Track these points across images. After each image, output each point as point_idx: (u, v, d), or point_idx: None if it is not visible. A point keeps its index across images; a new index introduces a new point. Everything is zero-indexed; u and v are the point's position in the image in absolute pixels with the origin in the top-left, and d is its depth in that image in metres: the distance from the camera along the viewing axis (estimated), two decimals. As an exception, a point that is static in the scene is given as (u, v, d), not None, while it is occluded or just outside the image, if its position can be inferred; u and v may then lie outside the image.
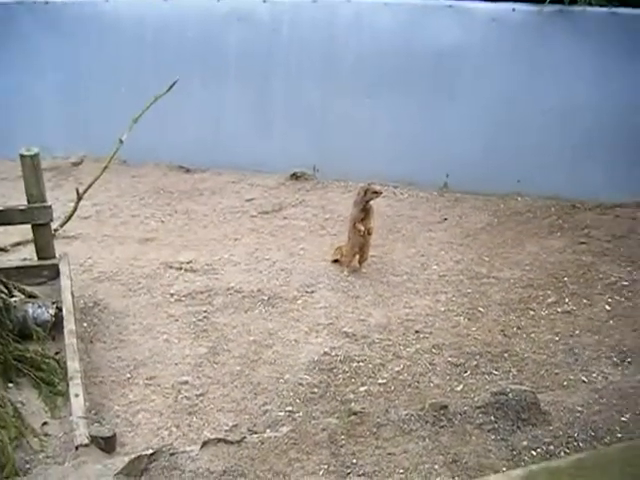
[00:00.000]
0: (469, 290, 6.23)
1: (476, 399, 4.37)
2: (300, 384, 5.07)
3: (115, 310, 5.88)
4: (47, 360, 4.97)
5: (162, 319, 5.81)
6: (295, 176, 8.31)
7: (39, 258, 5.93)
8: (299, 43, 8.24)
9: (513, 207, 7.64)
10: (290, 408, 4.85)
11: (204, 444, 4.05)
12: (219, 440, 4.09)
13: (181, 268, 6.51)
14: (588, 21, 7.43)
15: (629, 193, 7.41)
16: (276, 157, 8.38)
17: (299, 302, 6.06)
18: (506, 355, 5.36)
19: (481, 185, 7.83)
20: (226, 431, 4.61)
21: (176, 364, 5.30)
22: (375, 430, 4.13)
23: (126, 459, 3.91)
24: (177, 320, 5.80)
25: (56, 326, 5.25)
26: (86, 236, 7.07)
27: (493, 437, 4.08)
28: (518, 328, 5.69)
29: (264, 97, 8.46)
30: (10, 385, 4.78)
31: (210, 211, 7.68)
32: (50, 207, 5.81)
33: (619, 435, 4.07)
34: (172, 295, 6.12)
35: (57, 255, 5.98)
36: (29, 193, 5.72)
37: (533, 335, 5.60)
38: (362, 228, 6.35)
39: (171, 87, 6.87)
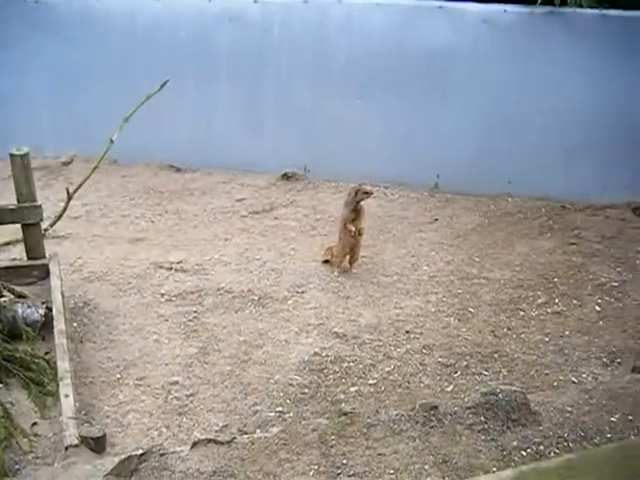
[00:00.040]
0: (459, 291, 6.23)
1: (466, 399, 4.37)
2: (290, 384, 5.06)
3: (105, 310, 5.87)
4: (37, 360, 4.96)
5: (152, 319, 5.80)
6: (286, 176, 8.31)
7: (29, 258, 5.92)
8: (290, 44, 8.24)
9: (504, 208, 7.66)
10: (280, 408, 4.84)
11: (194, 444, 4.04)
12: (209, 440, 4.08)
13: (171, 268, 6.50)
14: (579, 23, 7.47)
15: (619, 194, 7.44)
16: (267, 157, 8.38)
17: (289, 302, 6.05)
18: (496, 356, 5.37)
19: (472, 186, 7.84)
20: (216, 431, 4.60)
21: (166, 364, 5.29)
22: (365, 430, 4.13)
23: (116, 459, 3.90)
24: (167, 320, 5.79)
25: (46, 326, 5.23)
26: (76, 236, 7.05)
27: (483, 437, 4.08)
28: (508, 329, 5.70)
29: (255, 97, 8.46)
30: (-1, 385, 4.77)
31: (200, 211, 7.67)
32: (40, 207, 5.80)
33: (609, 435, 4.08)
34: (162, 295, 6.11)
35: (47, 255, 5.96)
36: (19, 192, 5.70)
37: (523, 336, 5.61)
38: (353, 228, 6.35)
39: (162, 86, 6.88)
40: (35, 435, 4.44)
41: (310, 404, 4.87)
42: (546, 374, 5.15)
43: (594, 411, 4.29)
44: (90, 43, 8.51)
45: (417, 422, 4.17)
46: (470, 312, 5.94)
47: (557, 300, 6.05)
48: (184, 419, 4.77)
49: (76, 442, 4.16)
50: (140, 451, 3.97)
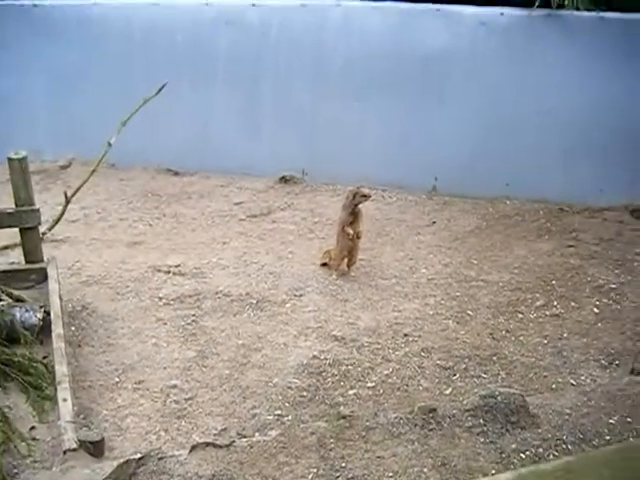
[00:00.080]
0: (458, 293, 6.23)
1: (465, 402, 4.37)
2: (289, 388, 5.06)
3: (103, 314, 5.86)
4: (35, 364, 4.95)
5: (150, 323, 5.80)
6: (284, 179, 8.31)
7: (27, 262, 5.92)
8: (288, 46, 8.25)
9: (502, 210, 7.66)
10: (279, 412, 4.83)
11: (193, 448, 4.04)
12: (208, 444, 4.08)
13: (169, 272, 6.49)
14: (576, 25, 7.48)
15: (617, 196, 7.44)
16: (265, 160, 8.38)
17: (288, 306, 6.05)
18: (495, 358, 5.36)
19: (470, 188, 7.85)
20: (215, 435, 4.60)
21: (165, 368, 5.28)
22: (364, 434, 4.13)
23: (114, 463, 3.89)
24: (166, 324, 5.78)
25: (44, 330, 5.23)
26: (74, 240, 7.05)
27: (482, 440, 4.08)
28: (507, 331, 5.70)
29: (253, 101, 8.46)
30: (-3, 389, 4.77)
31: (198, 215, 7.67)
32: (38, 210, 5.80)
33: (607, 438, 4.08)
34: (160, 299, 6.10)
35: (45, 259, 5.96)
36: (17, 196, 5.70)
37: (522, 338, 5.61)
38: (351, 232, 6.35)
39: (160, 90, 6.89)
40: (33, 439, 4.43)
41: (309, 407, 4.87)
42: (545, 376, 5.15)
43: (593, 413, 4.29)
44: (88, 47, 8.52)
45: (416, 425, 4.17)
46: (468, 315, 5.94)
47: (555, 302, 6.05)
48: (183, 423, 4.76)
49: (74, 446, 4.15)
50: (138, 455, 3.97)
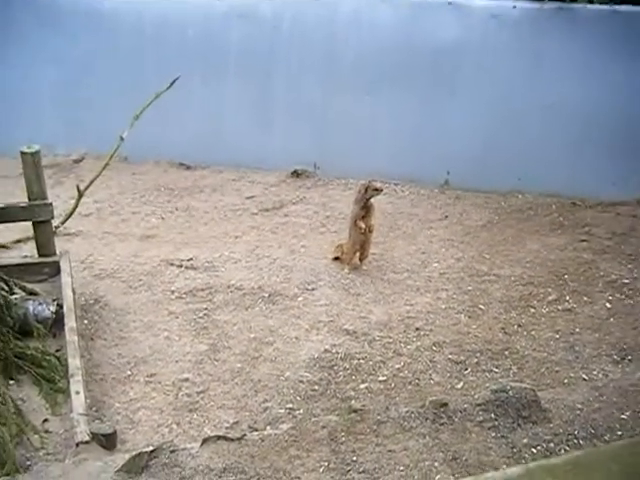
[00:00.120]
0: (470, 288, 6.23)
1: (476, 396, 4.36)
2: (300, 381, 5.07)
3: (116, 307, 5.88)
4: (48, 357, 4.98)
5: (163, 316, 5.82)
6: (296, 173, 8.31)
7: (40, 255, 5.94)
8: (300, 40, 8.24)
9: (514, 204, 7.64)
10: (290, 405, 4.85)
11: (204, 441, 4.04)
12: (219, 437, 4.09)
13: (182, 265, 6.51)
14: (588, 18, 7.44)
15: (630, 191, 7.41)
16: (277, 154, 8.38)
17: (300, 299, 6.06)
18: (506, 353, 5.36)
19: (482, 182, 7.83)
20: (226, 428, 4.62)
21: (177, 361, 5.30)
22: (375, 427, 4.13)
23: (127, 456, 3.91)
24: (178, 317, 5.80)
25: (57, 323, 5.26)
26: (87, 233, 7.07)
27: (493, 435, 4.07)
28: (519, 326, 5.69)
29: (265, 94, 8.46)
30: (11, 382, 4.79)
31: (211, 208, 7.67)
32: (51, 204, 5.82)
33: (619, 433, 4.07)
34: (173, 292, 6.12)
35: (58, 252, 5.99)
36: (30, 190, 5.72)
37: (534, 333, 5.60)
38: (363, 225, 6.34)
39: (172, 84, 6.89)
40: (46, 432, 4.46)
41: (320, 401, 4.88)
42: (556, 371, 5.14)
43: (604, 408, 4.28)
44: (99, 40, 8.52)
45: (427, 419, 4.17)
46: (480, 309, 5.93)
47: (568, 297, 6.04)
48: (194, 416, 4.78)
49: (87, 439, 4.19)
50: (150, 448, 3.97)
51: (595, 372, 5.11)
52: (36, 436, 4.38)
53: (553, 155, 7.66)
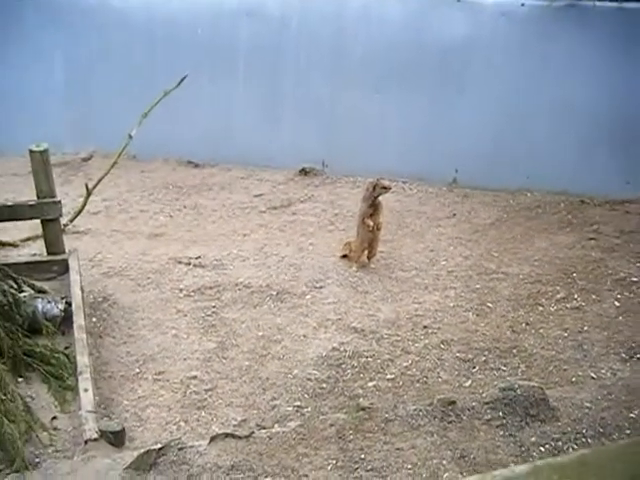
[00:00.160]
0: (478, 286, 6.22)
1: (484, 395, 4.36)
2: (309, 379, 5.07)
3: (124, 305, 5.89)
4: (56, 355, 4.99)
5: (171, 314, 5.83)
6: (304, 171, 8.32)
7: (49, 253, 5.95)
8: (308, 37, 8.25)
9: (522, 202, 7.63)
10: (298, 403, 4.85)
11: (212, 439, 4.05)
12: (227, 435, 4.10)
13: (190, 263, 6.52)
14: (597, 16, 7.42)
15: (639, 189, 7.38)
16: (285, 152, 8.39)
17: (308, 297, 6.06)
18: (515, 351, 5.35)
19: (490, 180, 7.82)
20: (234, 426, 4.62)
21: (185, 359, 5.31)
22: (383, 425, 4.14)
23: (135, 453, 3.92)
24: (186, 315, 5.81)
25: (65, 321, 5.27)
26: (95, 231, 7.09)
27: (501, 433, 4.07)
28: (527, 324, 5.68)
29: (273, 92, 8.47)
30: (20, 379, 4.80)
31: (219, 206, 7.68)
32: (59, 202, 5.83)
33: (628, 431, 4.07)
34: (181, 290, 6.13)
35: (66, 250, 6.00)
36: (38, 188, 5.73)
37: (542, 331, 5.59)
38: (371, 223, 6.35)
39: (180, 82, 6.90)
40: (55, 429, 4.47)
41: (328, 399, 4.88)
42: (565, 370, 5.13)
43: (613, 407, 4.27)
44: (108, 39, 8.55)
45: (435, 417, 4.17)
46: (488, 307, 5.92)
47: (576, 295, 6.02)
48: (203, 413, 4.79)
49: (95, 436, 4.19)
50: (159, 445, 3.99)
51: (603, 370, 5.10)
52: (45, 433, 4.39)
53: (562, 153, 7.64)
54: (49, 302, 5.30)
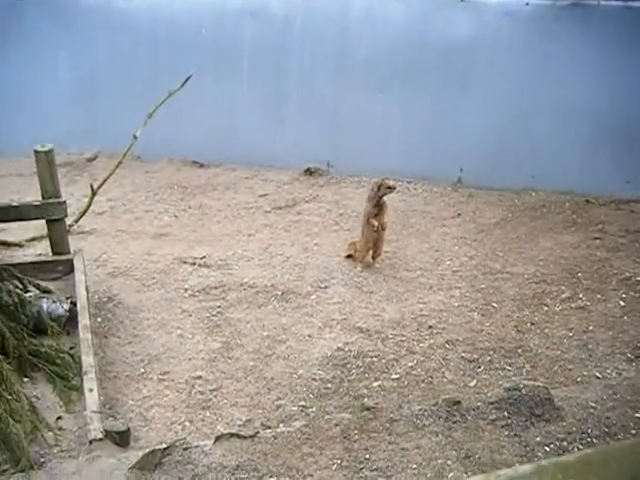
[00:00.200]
0: (483, 285, 6.21)
1: (489, 395, 4.36)
2: (313, 379, 5.07)
3: (129, 305, 5.90)
4: (62, 355, 5.00)
5: (176, 314, 5.83)
6: (309, 171, 8.32)
7: (54, 253, 5.96)
8: (312, 37, 8.25)
9: (527, 202, 7.62)
10: (303, 403, 4.85)
11: (217, 439, 4.06)
12: (232, 435, 4.10)
13: (195, 263, 6.52)
14: (602, 15, 7.40)
15: (639, 188, 7.37)
16: (290, 152, 8.39)
17: (313, 297, 6.06)
18: (520, 351, 5.34)
19: (495, 180, 7.81)
20: (239, 426, 4.62)
21: (190, 359, 5.31)
22: (388, 425, 4.14)
23: (140, 453, 3.93)
24: (191, 315, 5.81)
25: (70, 321, 5.28)
26: (100, 231, 7.10)
27: (506, 433, 4.07)
28: (532, 324, 5.68)
29: (277, 92, 8.47)
30: (25, 379, 4.81)
31: (224, 206, 7.69)
32: (64, 203, 5.84)
33: (633, 431, 4.06)
34: (186, 290, 6.13)
35: (72, 250, 6.01)
36: (44, 189, 5.74)
37: (547, 331, 5.58)
38: (376, 223, 6.34)
39: (185, 82, 6.90)
40: (60, 429, 4.48)
41: (333, 399, 4.88)
42: (570, 369, 5.12)
43: (618, 407, 4.27)
44: (112, 39, 8.56)
45: (440, 417, 4.17)
46: (493, 307, 5.92)
47: (581, 295, 6.01)
48: (207, 413, 4.79)
49: (100, 436, 4.20)
50: (164, 445, 4.00)
51: (609, 370, 5.09)
52: (50, 433, 4.40)
53: (567, 153, 7.63)
54: (54, 302, 5.31)
